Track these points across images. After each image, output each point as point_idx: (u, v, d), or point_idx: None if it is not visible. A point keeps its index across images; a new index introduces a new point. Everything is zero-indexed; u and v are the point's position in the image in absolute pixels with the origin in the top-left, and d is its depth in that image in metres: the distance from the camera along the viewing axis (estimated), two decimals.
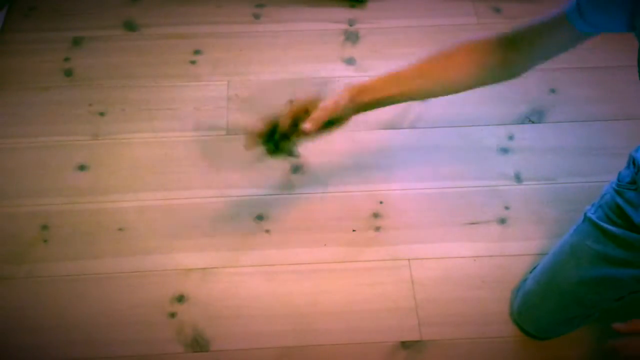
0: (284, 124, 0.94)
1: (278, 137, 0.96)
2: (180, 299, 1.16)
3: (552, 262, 1.05)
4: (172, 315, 1.14)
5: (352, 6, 1.61)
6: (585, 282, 0.99)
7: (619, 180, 0.98)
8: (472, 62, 0.91)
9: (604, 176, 1.29)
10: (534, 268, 1.13)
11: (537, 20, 0.88)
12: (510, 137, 1.37)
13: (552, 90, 1.45)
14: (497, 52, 0.90)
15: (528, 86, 1.46)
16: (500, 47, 0.90)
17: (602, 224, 0.97)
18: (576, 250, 1.01)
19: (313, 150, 1.35)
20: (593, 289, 1.00)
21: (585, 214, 1.02)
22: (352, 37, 1.55)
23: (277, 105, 1.41)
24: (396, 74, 0.94)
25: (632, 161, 0.96)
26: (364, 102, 0.93)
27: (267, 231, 1.24)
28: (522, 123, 1.40)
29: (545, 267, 1.07)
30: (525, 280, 1.12)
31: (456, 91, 0.96)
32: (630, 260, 0.95)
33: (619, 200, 0.95)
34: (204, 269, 1.19)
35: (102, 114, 1.40)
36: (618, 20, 0.78)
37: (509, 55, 0.90)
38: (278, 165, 1.31)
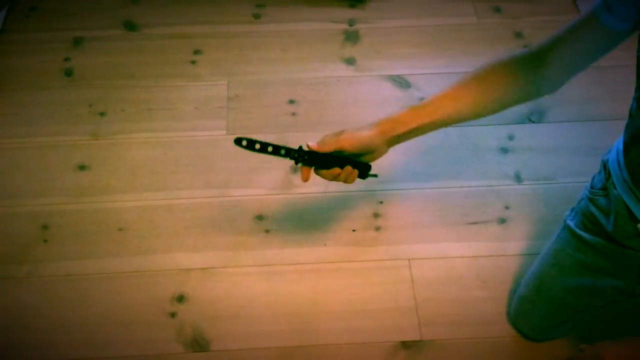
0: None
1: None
2: (181, 298, 1.16)
3: (539, 269, 1.06)
4: (172, 315, 1.14)
5: (352, 6, 1.61)
6: (569, 289, 1.00)
7: (592, 187, 0.97)
8: (503, 84, 0.89)
9: None
10: None
11: (564, 29, 0.84)
12: (511, 137, 1.37)
13: None
14: (526, 71, 0.87)
15: None
16: (528, 65, 0.87)
17: (579, 232, 0.96)
18: (559, 258, 1.01)
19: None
20: (577, 295, 1.00)
21: (564, 221, 1.02)
22: (352, 37, 1.55)
23: (278, 105, 1.42)
24: (427, 103, 0.92)
25: (604, 166, 0.94)
26: (395, 135, 0.92)
27: (267, 231, 1.24)
28: (523, 123, 1.40)
29: (533, 273, 1.07)
30: (520, 284, 1.13)
31: (490, 114, 0.94)
32: (609, 270, 0.95)
33: (592, 209, 0.95)
34: (204, 268, 1.19)
35: (102, 114, 1.40)
36: None
37: (539, 72, 0.87)
38: (278, 165, 1.31)
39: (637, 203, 0.86)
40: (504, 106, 0.93)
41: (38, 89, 1.44)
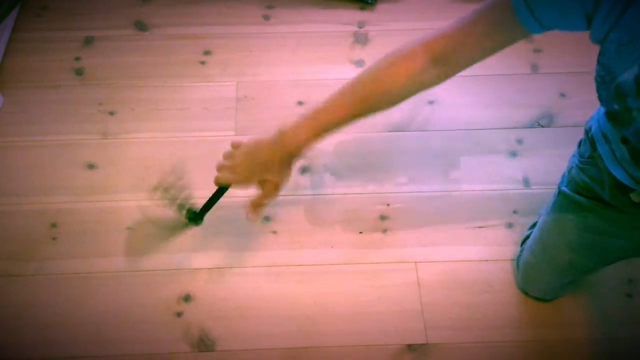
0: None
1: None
2: (187, 298, 1.16)
3: (541, 235, 1.07)
4: (179, 314, 1.15)
5: (362, 8, 1.61)
6: (574, 250, 1.01)
7: (580, 155, 0.96)
8: (406, 81, 0.84)
9: None
10: (527, 237, 1.15)
11: (470, 25, 0.77)
12: (519, 141, 1.37)
13: (562, 95, 1.44)
14: (430, 69, 0.82)
15: (538, 90, 1.45)
16: (433, 64, 0.82)
17: (576, 196, 0.97)
18: (560, 223, 1.02)
19: (321, 151, 1.35)
20: (583, 255, 1.01)
21: (559, 188, 1.02)
22: (361, 39, 1.55)
23: (287, 106, 1.42)
24: (329, 106, 0.94)
25: (587, 135, 0.93)
26: (301, 151, 0.93)
27: (274, 232, 1.24)
28: (532, 127, 1.39)
29: (536, 239, 1.09)
30: (522, 249, 1.15)
31: (392, 106, 0.90)
32: (611, 231, 0.95)
33: (584, 178, 0.95)
34: (211, 269, 1.20)
35: (111, 114, 1.41)
36: (574, 19, 0.69)
37: (443, 70, 0.82)
38: None
39: (625, 175, 0.84)
40: (403, 99, 0.88)
41: (48, 88, 1.45)
